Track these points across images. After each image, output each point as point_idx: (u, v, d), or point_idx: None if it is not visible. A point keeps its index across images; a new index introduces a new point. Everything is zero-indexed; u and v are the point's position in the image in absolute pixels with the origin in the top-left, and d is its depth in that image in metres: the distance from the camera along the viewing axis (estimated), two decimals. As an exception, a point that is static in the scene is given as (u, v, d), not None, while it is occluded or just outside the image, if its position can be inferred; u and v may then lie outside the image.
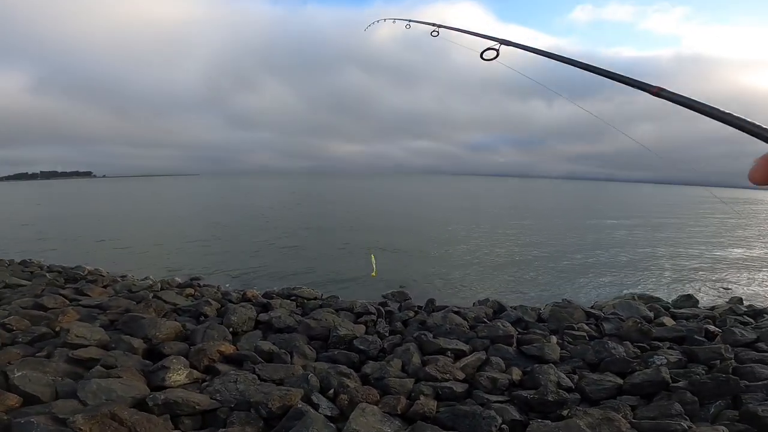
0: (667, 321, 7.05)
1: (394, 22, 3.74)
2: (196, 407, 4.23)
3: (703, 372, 4.98)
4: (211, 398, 4.52)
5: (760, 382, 4.56)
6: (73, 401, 4.19)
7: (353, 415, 3.96)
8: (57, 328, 6.56)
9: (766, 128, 0.46)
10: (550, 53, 1.09)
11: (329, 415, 4.21)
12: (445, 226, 24.13)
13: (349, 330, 6.45)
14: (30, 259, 13.72)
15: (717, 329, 6.50)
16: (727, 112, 0.52)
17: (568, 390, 4.76)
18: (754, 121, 0.48)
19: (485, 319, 7.20)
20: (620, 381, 4.92)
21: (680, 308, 8.16)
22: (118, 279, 11.07)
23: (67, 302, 8.27)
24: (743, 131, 0.49)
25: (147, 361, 5.48)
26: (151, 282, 10.54)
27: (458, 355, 5.66)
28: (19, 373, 4.51)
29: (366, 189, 77.00)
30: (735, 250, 17.85)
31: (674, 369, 5.04)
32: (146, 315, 7.03)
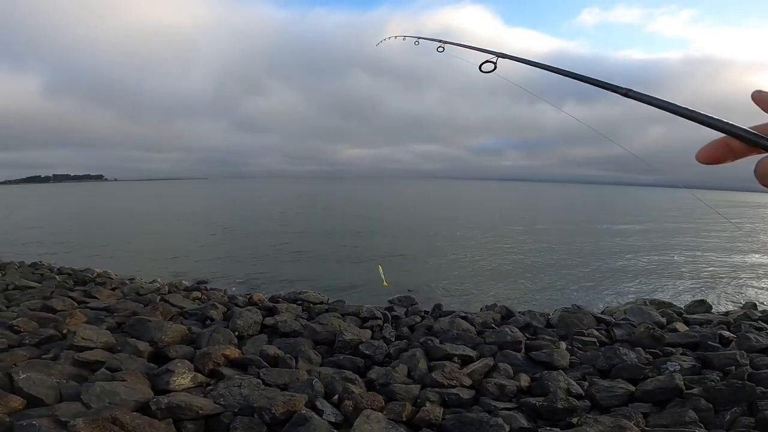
0: (680, 327, 6.88)
1: (404, 39, 3.89)
2: (199, 412, 4.18)
3: (718, 378, 4.83)
4: (215, 402, 4.47)
5: (776, 389, 4.41)
6: (76, 404, 4.17)
7: (357, 421, 3.89)
8: (64, 331, 6.55)
9: (725, 121, 0.48)
10: (541, 63, 1.17)
11: (333, 421, 4.14)
12: (453, 231, 24.01)
13: (355, 335, 6.38)
14: (41, 261, 13.85)
15: (731, 335, 6.33)
16: (690, 108, 0.55)
17: (578, 397, 4.64)
18: (716, 116, 0.50)
19: (493, 325, 7.09)
20: (632, 388, 4.79)
21: (693, 314, 7.97)
22: (127, 282, 11.12)
23: (76, 304, 8.30)
24: (708, 127, 0.52)
25: (152, 365, 5.45)
26: (158, 285, 10.57)
27: (465, 360, 5.56)
28: (24, 375, 4.51)
29: (373, 193, 77.01)
30: (748, 255, 17.49)
31: (688, 375, 4.90)
32: (153, 318, 7.01)
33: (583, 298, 10.44)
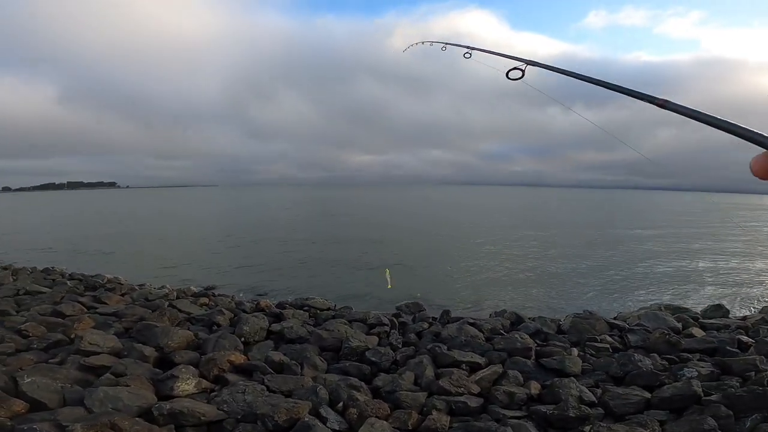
0: (697, 332, 6.65)
1: (431, 44, 3.85)
2: (202, 418, 4.13)
3: (738, 384, 4.64)
4: (218, 409, 4.41)
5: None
6: (79, 409, 4.15)
7: (361, 430, 3.80)
8: (72, 335, 6.58)
9: (763, 135, 0.48)
10: (573, 73, 1.11)
11: (337, 429, 4.05)
12: (461, 237, 23.84)
13: (361, 341, 6.29)
14: (52, 267, 14.01)
15: (750, 340, 6.09)
16: (729, 121, 0.53)
17: (591, 405, 4.48)
18: (754, 129, 0.49)
19: (502, 331, 6.94)
20: (648, 395, 4.62)
21: (710, 319, 7.72)
22: (136, 287, 11.18)
23: (85, 310, 8.35)
24: (744, 139, 0.50)
25: (157, 370, 5.42)
26: (167, 291, 10.61)
27: (473, 368, 5.43)
28: (28, 380, 4.51)
29: (381, 200, 77.00)
30: (765, 259, 17.02)
31: (706, 382, 4.71)
32: (160, 323, 7.01)
33: (595, 303, 10.20)
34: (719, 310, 8.26)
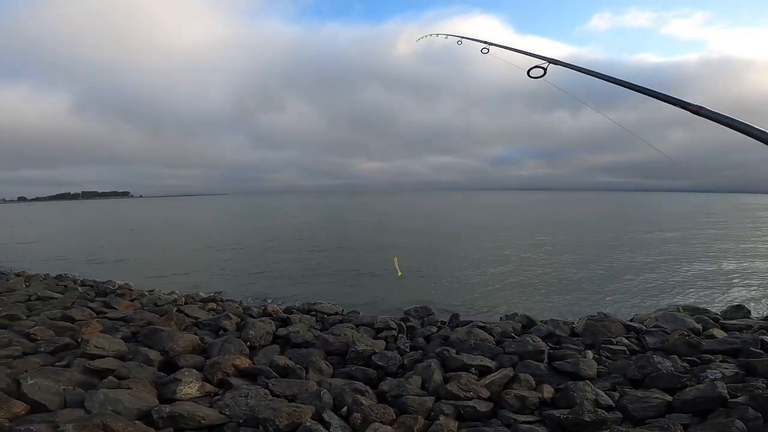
0: (718, 333, 6.36)
1: (446, 37, 3.65)
2: (202, 421, 4.04)
3: (764, 386, 4.38)
4: (220, 413, 4.34)
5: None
6: (79, 411, 4.12)
7: (364, 435, 3.66)
8: (79, 339, 6.62)
9: None
10: (598, 73, 1.03)
11: (340, 434, 3.91)
12: (472, 241, 23.58)
13: (368, 345, 6.15)
14: (65, 274, 14.21)
15: (775, 341, 5.81)
16: (761, 129, 0.61)
17: (608, 409, 4.26)
18: None
19: (513, 334, 6.73)
20: (669, 398, 4.37)
21: (731, 319, 7.40)
22: (146, 293, 11.23)
23: (94, 315, 8.41)
24: None
25: (162, 374, 5.40)
26: (176, 296, 10.64)
27: (483, 371, 5.24)
28: (31, 382, 4.50)
29: (389, 206, 76.93)
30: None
31: (731, 384, 4.45)
32: (166, 328, 7.01)
33: (609, 306, 9.90)
34: (740, 310, 7.93)
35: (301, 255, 19.43)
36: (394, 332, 7.12)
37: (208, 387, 5.05)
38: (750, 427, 3.66)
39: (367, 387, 4.86)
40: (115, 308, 9.14)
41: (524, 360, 5.48)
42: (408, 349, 6.36)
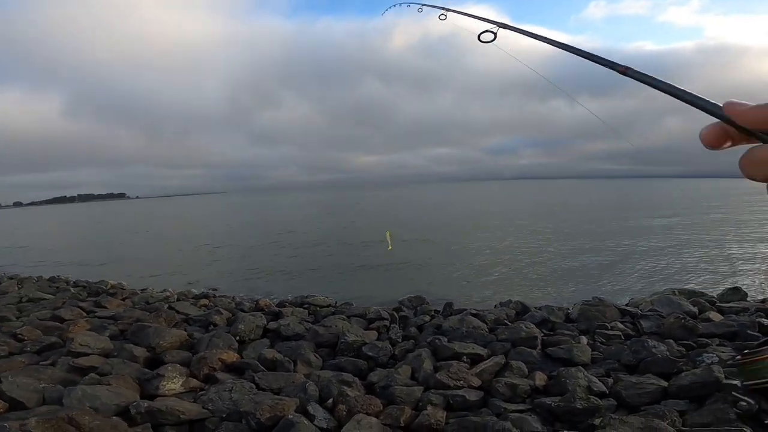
0: (714, 316, 6.22)
1: (408, 6, 3.73)
2: (181, 416, 3.93)
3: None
4: (203, 407, 4.24)
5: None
6: (58, 407, 4.04)
7: (346, 427, 3.54)
8: (66, 338, 6.56)
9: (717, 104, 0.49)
10: (540, 35, 1.00)
11: (325, 426, 3.78)
12: (469, 231, 23.43)
13: (358, 336, 6.03)
14: (58, 276, 14.10)
15: (773, 324, 5.69)
16: (687, 91, 0.55)
17: (601, 395, 4.13)
18: (711, 100, 0.50)
19: (506, 321, 6.59)
20: (664, 383, 4.24)
21: (727, 302, 7.26)
22: (138, 292, 11.13)
23: (84, 314, 8.32)
24: (700, 109, 0.52)
25: (147, 370, 5.30)
26: (168, 294, 10.53)
27: (475, 360, 5.11)
28: (10, 380, 4.43)
29: (387, 199, 76.70)
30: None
31: (728, 368, 4.33)
32: (154, 324, 6.91)
33: (605, 291, 9.77)
34: (737, 293, 7.79)
35: (296, 250, 19.32)
36: (386, 322, 7.00)
37: (194, 382, 4.97)
38: (748, 413, 3.53)
39: (355, 378, 4.74)
40: (106, 307, 9.06)
41: (517, 347, 5.35)
42: (400, 339, 6.24)
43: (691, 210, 32.04)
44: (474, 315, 6.77)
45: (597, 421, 3.66)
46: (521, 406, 4.08)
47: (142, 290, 11.39)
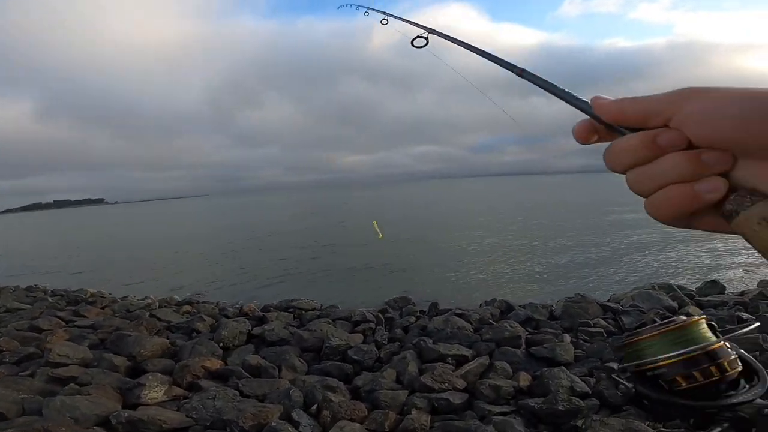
0: (693, 310, 6.32)
1: (356, 8, 3.64)
2: (163, 426, 3.88)
3: (742, 367, 4.35)
4: (186, 416, 4.19)
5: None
6: (37, 418, 3.99)
7: (329, 433, 3.51)
8: (44, 349, 6.44)
9: (582, 100, 0.52)
10: (464, 42, 1.00)
11: (310, 433, 3.75)
12: (453, 229, 23.54)
13: (343, 340, 5.99)
14: (36, 285, 13.77)
15: (750, 316, 5.80)
16: (560, 88, 0.58)
17: (584, 396, 4.17)
18: (582, 98, 0.52)
19: (491, 321, 6.63)
20: (645, 382, 4.32)
21: (706, 296, 7.43)
22: (119, 300, 10.91)
23: (63, 324, 8.16)
24: (572, 105, 0.54)
25: (128, 379, 5.22)
26: (149, 301, 10.34)
27: (460, 361, 5.12)
28: None
29: (373, 199, 76.67)
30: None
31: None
32: (135, 333, 6.81)
33: (587, 287, 9.89)
34: (715, 286, 7.97)
35: (282, 253, 19.14)
36: (372, 325, 6.98)
37: (177, 390, 4.92)
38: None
39: (340, 383, 4.71)
40: (85, 316, 8.88)
41: (501, 347, 5.38)
42: (386, 342, 6.23)
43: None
44: (459, 315, 6.79)
45: (579, 422, 3.70)
46: (505, 408, 4.10)
47: (123, 298, 11.17)
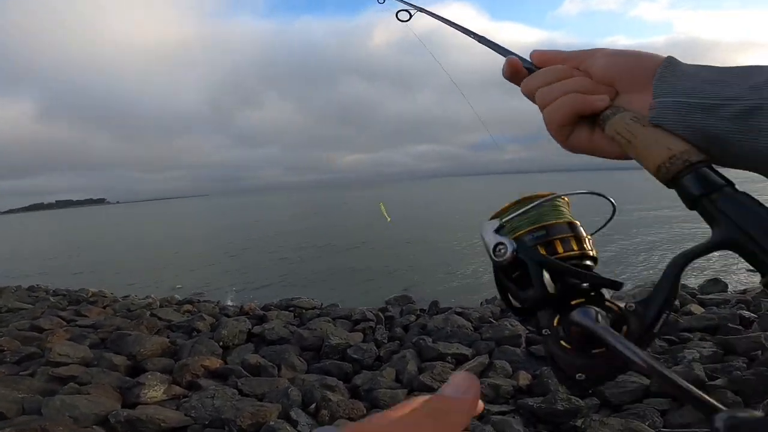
0: (695, 309, 6.28)
1: None
2: (162, 425, 3.90)
3: (744, 366, 4.30)
4: (185, 415, 4.20)
5: (811, 375, 3.89)
6: (36, 417, 4.03)
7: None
8: (45, 348, 6.47)
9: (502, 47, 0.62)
10: (451, 22, 0.99)
11: (308, 432, 3.74)
12: (456, 229, 23.48)
13: (342, 338, 5.99)
14: (38, 285, 13.81)
15: (752, 315, 5.73)
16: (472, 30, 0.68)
17: (583, 396, 4.15)
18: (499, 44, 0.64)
19: (491, 319, 6.59)
20: (646, 381, 4.28)
21: (708, 294, 7.38)
22: (120, 299, 10.93)
23: (65, 323, 8.19)
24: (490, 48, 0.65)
25: (128, 378, 5.25)
26: (150, 300, 10.35)
27: (459, 360, 5.11)
28: None
29: (373, 199, 76.64)
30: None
31: (709, 364, 4.36)
32: (135, 332, 6.82)
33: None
34: (717, 284, 7.91)
35: (281, 253, 19.17)
36: (372, 323, 6.96)
37: (176, 389, 4.94)
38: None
39: (339, 382, 4.70)
40: (86, 316, 8.90)
41: (501, 346, 5.36)
42: (386, 340, 6.22)
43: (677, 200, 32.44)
44: (459, 313, 6.77)
45: (579, 422, 3.67)
46: (504, 408, 4.07)
47: (124, 297, 11.19)
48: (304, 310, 8.30)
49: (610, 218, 0.55)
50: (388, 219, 8.52)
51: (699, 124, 0.45)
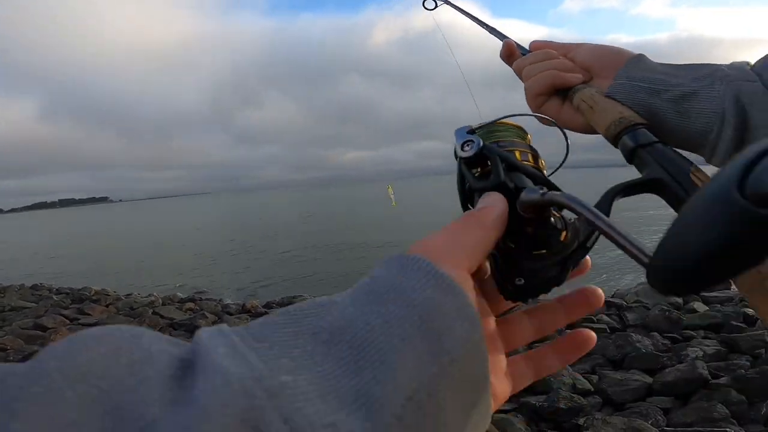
0: (699, 306, 6.23)
1: None
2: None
3: (748, 364, 4.28)
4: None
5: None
6: None
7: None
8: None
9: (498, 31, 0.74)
10: (474, 17, 1.01)
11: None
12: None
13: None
14: (41, 283, 13.86)
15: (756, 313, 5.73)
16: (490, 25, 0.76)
17: (586, 393, 4.13)
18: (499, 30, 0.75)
19: (494, 317, 6.59)
20: (649, 380, 4.26)
21: (711, 291, 7.35)
22: (123, 297, 10.96)
23: (67, 322, 8.28)
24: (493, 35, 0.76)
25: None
26: (153, 298, 10.39)
27: (461, 358, 5.09)
28: None
29: (377, 197, 76.70)
30: None
31: (713, 362, 4.33)
32: (137, 331, 6.88)
33: (591, 281, 9.78)
34: (721, 282, 7.85)
35: (283, 251, 19.19)
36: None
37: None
38: (733, 412, 3.52)
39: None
40: (89, 314, 8.93)
41: (503, 344, 5.33)
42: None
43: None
44: (461, 312, 6.75)
45: (581, 421, 3.66)
46: (506, 406, 4.04)
47: (127, 296, 11.21)
48: (305, 308, 8.32)
49: (565, 158, 0.58)
50: (394, 203, 8.40)
51: (644, 102, 0.55)
